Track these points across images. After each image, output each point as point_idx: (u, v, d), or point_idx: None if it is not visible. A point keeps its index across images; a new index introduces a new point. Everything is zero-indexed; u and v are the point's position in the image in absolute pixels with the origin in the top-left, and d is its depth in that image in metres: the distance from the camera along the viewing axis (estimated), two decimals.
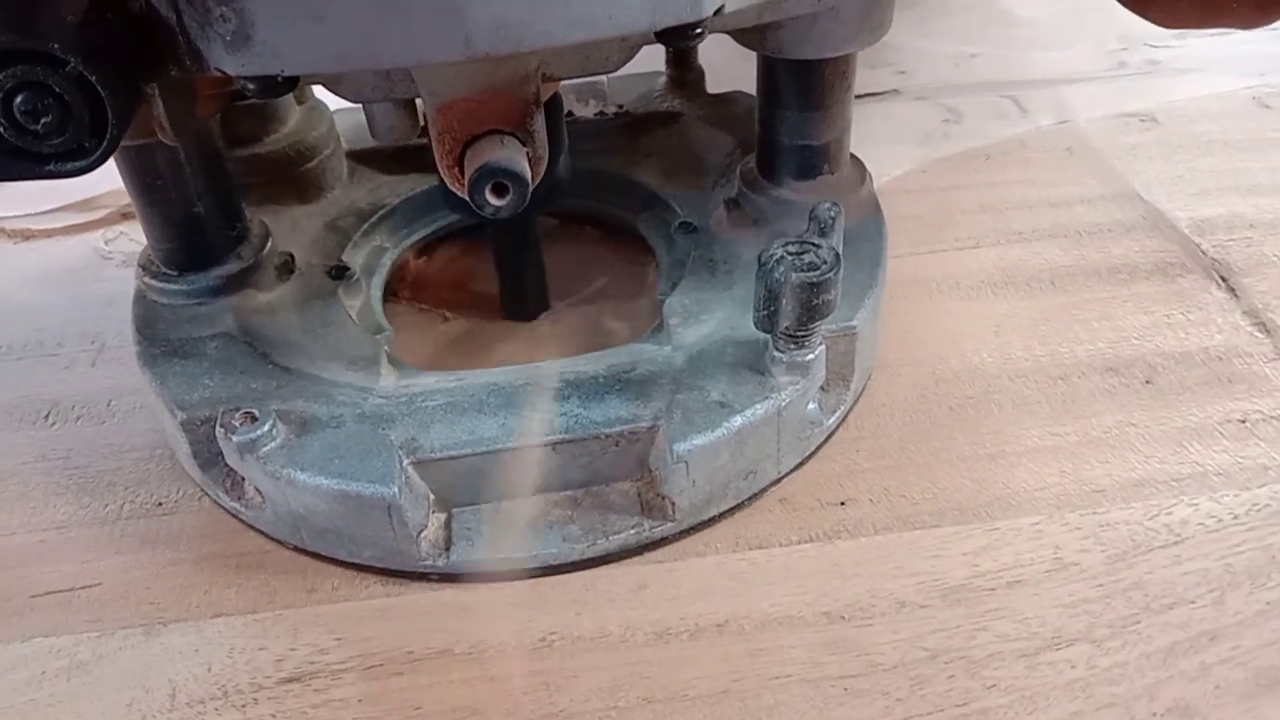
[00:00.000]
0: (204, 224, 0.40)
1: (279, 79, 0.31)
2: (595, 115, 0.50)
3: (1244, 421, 0.40)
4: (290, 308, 0.41)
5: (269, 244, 0.42)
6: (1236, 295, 0.46)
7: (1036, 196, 0.53)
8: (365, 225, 0.46)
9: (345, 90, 0.36)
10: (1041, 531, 0.36)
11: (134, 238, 0.55)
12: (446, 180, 0.34)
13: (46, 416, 0.44)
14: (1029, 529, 0.36)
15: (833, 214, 0.34)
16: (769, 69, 0.41)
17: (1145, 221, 0.51)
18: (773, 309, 0.33)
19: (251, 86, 0.31)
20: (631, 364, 0.37)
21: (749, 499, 0.38)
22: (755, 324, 0.34)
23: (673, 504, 0.35)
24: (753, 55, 0.40)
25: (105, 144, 0.31)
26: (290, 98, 0.47)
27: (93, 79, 0.29)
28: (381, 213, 0.46)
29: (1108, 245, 0.49)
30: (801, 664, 0.33)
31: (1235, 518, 0.36)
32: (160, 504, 0.40)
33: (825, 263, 0.33)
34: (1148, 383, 0.42)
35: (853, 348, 0.38)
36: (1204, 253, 0.49)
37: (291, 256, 0.43)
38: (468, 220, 0.48)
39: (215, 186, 0.40)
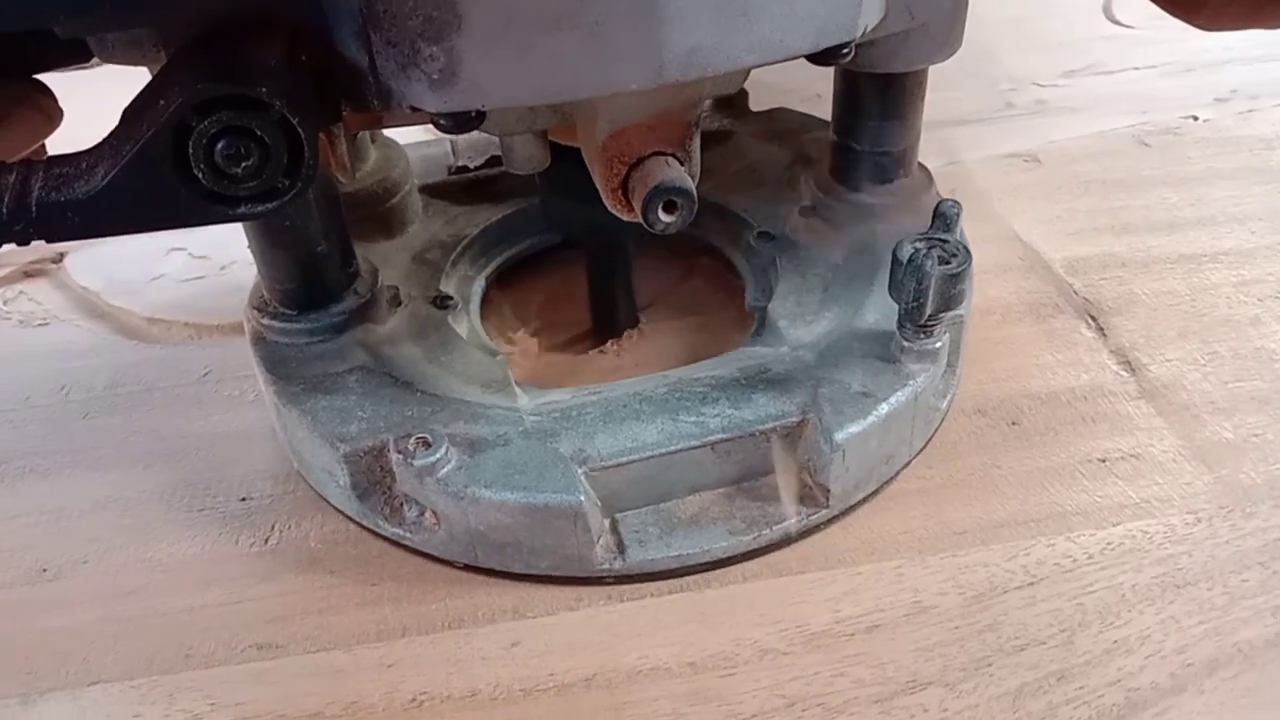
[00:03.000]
0: (325, 263, 0.41)
1: (473, 115, 0.32)
2: None
3: (1104, 461, 0.41)
4: (408, 338, 0.42)
5: (379, 279, 0.43)
6: (1105, 334, 0.47)
7: None
8: (452, 256, 0.47)
9: (491, 124, 0.37)
10: (903, 575, 0.37)
11: (33, 297, 0.55)
12: (609, 202, 0.36)
13: None
14: (891, 573, 0.37)
15: (956, 210, 0.38)
16: (850, 82, 0.44)
17: (1022, 263, 0.52)
18: (922, 300, 0.36)
19: (445, 122, 0.33)
20: (763, 365, 0.40)
21: (885, 482, 0.40)
22: (902, 316, 0.37)
23: (827, 491, 0.38)
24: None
25: (301, 184, 0.32)
26: (366, 135, 0.48)
27: (295, 121, 0.30)
28: (464, 243, 0.48)
29: (984, 287, 0.49)
30: (665, 716, 0.33)
31: (1089, 557, 0.37)
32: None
33: (957, 255, 0.36)
34: (1014, 424, 0.43)
35: (960, 335, 0.41)
36: (1076, 293, 0.49)
37: (397, 289, 0.44)
38: (542, 244, 0.50)
39: (336, 226, 0.41)
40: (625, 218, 0.36)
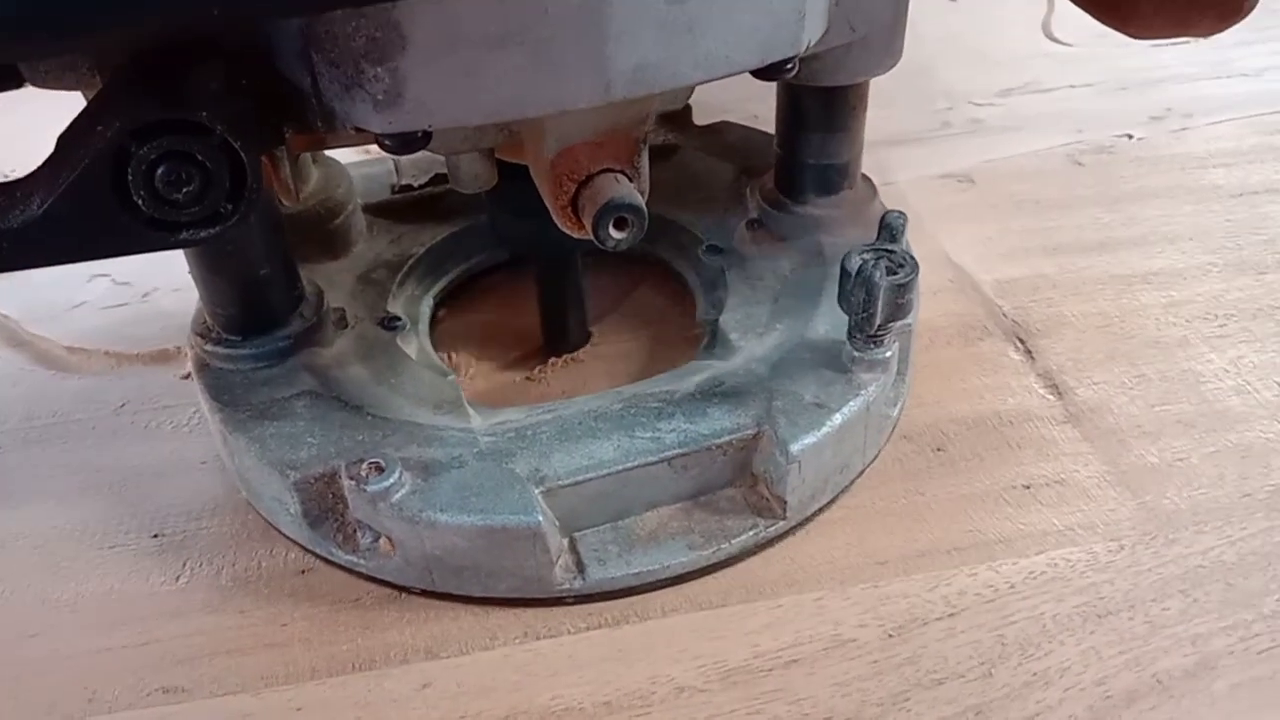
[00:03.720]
0: (269, 287, 0.41)
1: (419, 134, 0.32)
2: None
3: (1028, 487, 0.40)
4: (356, 361, 0.42)
5: (325, 301, 0.42)
6: (1033, 357, 0.47)
7: None
8: (399, 276, 0.47)
9: (436, 144, 0.37)
10: (824, 607, 0.36)
11: None
12: (559, 219, 0.36)
13: None
14: (811, 604, 0.36)
15: (901, 221, 0.38)
16: (793, 96, 0.44)
17: (952, 285, 0.51)
18: (871, 310, 0.36)
19: (389, 143, 0.32)
20: (716, 378, 0.40)
21: (841, 492, 0.40)
22: (852, 327, 0.38)
23: (784, 503, 0.38)
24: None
25: (244, 208, 0.31)
26: (308, 156, 0.47)
27: (237, 145, 0.30)
28: (410, 263, 0.47)
29: None
30: None
31: (1011, 586, 0.37)
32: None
33: (904, 265, 0.37)
34: (939, 450, 0.42)
35: (909, 344, 0.42)
36: (1005, 315, 0.49)
37: (344, 311, 0.43)
38: (489, 261, 0.50)
39: (279, 249, 0.40)
40: (576, 235, 0.36)
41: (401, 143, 0.32)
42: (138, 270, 0.55)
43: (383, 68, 0.30)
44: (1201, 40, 0.72)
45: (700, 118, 0.55)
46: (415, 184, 0.51)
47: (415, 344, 0.44)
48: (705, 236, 0.48)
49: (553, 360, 0.47)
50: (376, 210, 0.50)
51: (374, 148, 0.35)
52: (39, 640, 0.37)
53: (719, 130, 0.55)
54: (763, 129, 0.53)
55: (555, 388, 0.46)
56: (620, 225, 0.34)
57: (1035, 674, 0.34)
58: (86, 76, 0.34)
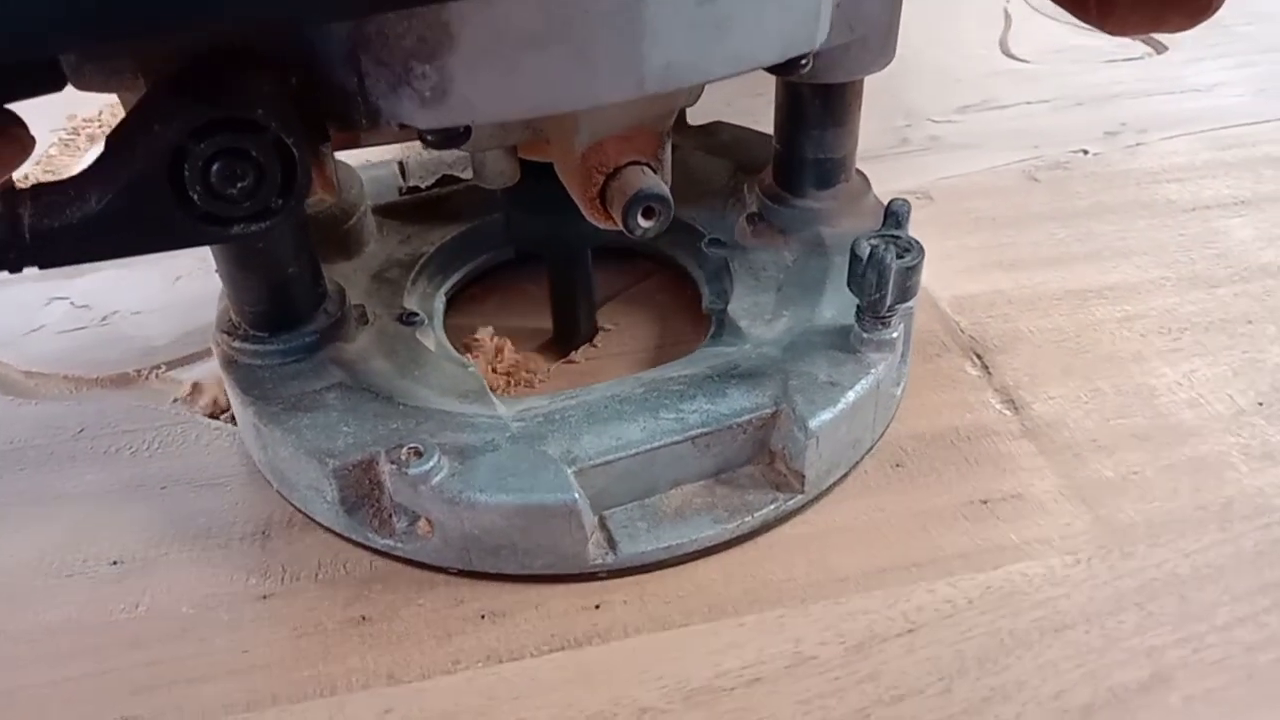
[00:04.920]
0: (296, 284, 0.42)
1: (460, 130, 0.34)
2: None
3: (985, 502, 0.41)
4: (378, 355, 0.43)
5: (347, 298, 0.44)
6: (990, 373, 0.47)
7: None
8: (412, 274, 0.48)
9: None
10: (785, 624, 0.37)
11: None
12: (587, 211, 0.38)
13: None
14: (773, 622, 0.37)
15: (906, 208, 0.41)
16: (793, 93, 0.47)
17: None
18: (883, 292, 0.39)
19: (432, 138, 0.34)
20: (731, 362, 0.42)
21: (853, 466, 0.43)
22: (862, 309, 0.40)
23: (802, 477, 0.40)
24: None
25: (293, 203, 0.33)
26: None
27: (289, 142, 0.31)
28: (422, 261, 0.49)
29: None
30: None
31: (970, 602, 0.37)
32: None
33: (911, 249, 0.39)
34: (898, 466, 0.43)
35: (910, 326, 0.44)
36: (962, 330, 0.50)
37: (364, 308, 0.45)
38: (496, 259, 0.52)
39: (305, 247, 0.42)
40: (602, 226, 0.38)
41: (444, 138, 0.34)
42: (97, 293, 0.56)
43: (430, 66, 0.31)
44: (1154, 56, 0.76)
45: (693, 118, 0.58)
46: (422, 185, 0.53)
47: (432, 338, 0.45)
48: (706, 231, 0.50)
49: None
50: (385, 211, 0.52)
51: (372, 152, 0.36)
52: None
53: (713, 130, 0.57)
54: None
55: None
56: (648, 214, 0.36)
57: (993, 689, 0.34)
58: (129, 80, 0.35)
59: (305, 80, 0.33)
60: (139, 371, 0.50)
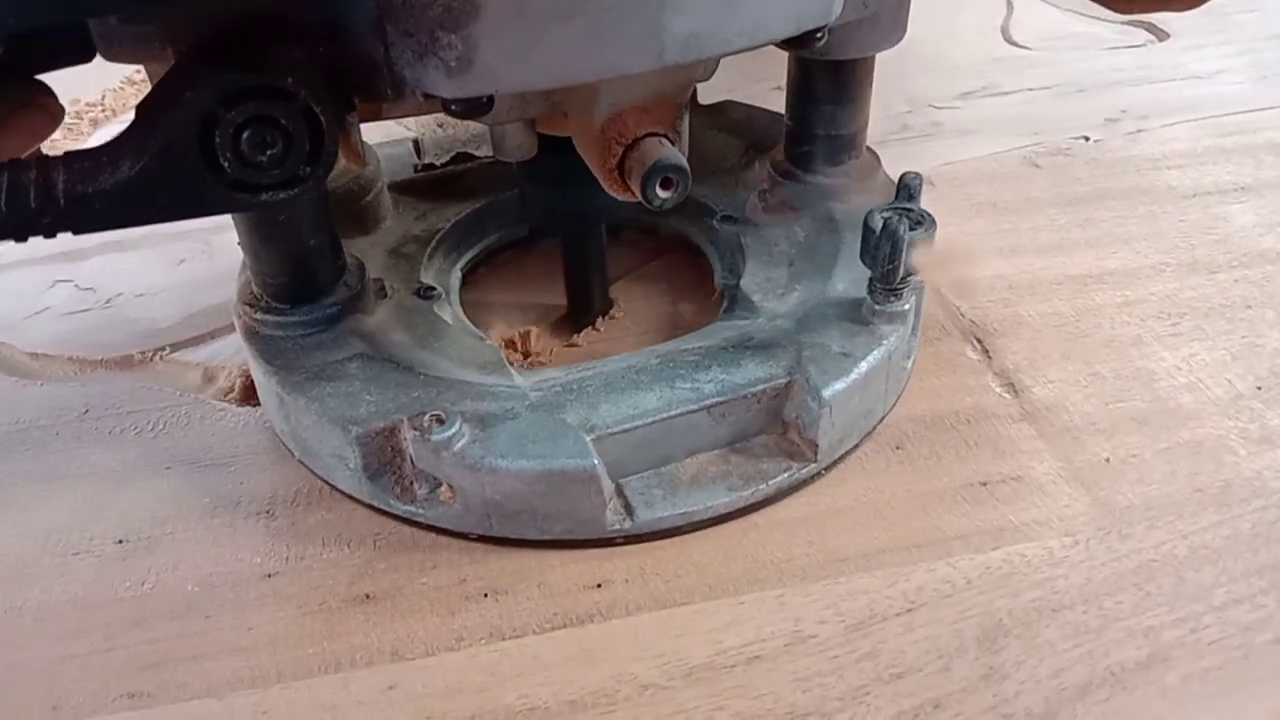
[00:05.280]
0: (317, 257, 0.42)
1: (484, 100, 0.34)
2: None
3: (985, 484, 0.41)
4: (397, 327, 0.44)
5: (366, 272, 0.44)
6: (990, 356, 0.47)
7: None
8: (428, 249, 0.49)
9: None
10: (784, 603, 0.37)
11: None
12: (605, 182, 0.38)
13: None
14: (773, 601, 0.37)
15: (918, 182, 0.41)
16: (805, 70, 0.48)
17: None
18: (897, 262, 0.39)
19: (456, 108, 0.34)
20: (746, 334, 0.43)
21: (865, 437, 0.43)
22: (874, 280, 0.41)
23: (815, 446, 0.40)
24: None
25: (321, 171, 0.33)
26: None
27: (318, 110, 0.32)
28: (438, 237, 0.50)
29: None
30: None
31: (968, 582, 0.37)
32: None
33: (923, 222, 0.40)
34: (898, 448, 0.43)
35: (921, 300, 0.45)
36: (963, 315, 0.50)
37: (382, 281, 0.45)
38: (510, 236, 0.53)
39: (325, 220, 0.42)
40: (621, 197, 0.39)
41: (468, 108, 0.34)
42: (101, 276, 0.56)
43: (456, 35, 0.32)
44: (1156, 43, 0.76)
45: (703, 99, 0.58)
46: (437, 163, 0.54)
47: (449, 312, 0.46)
48: (718, 208, 0.50)
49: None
50: (401, 188, 0.52)
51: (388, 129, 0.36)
52: (2, 650, 0.37)
53: (723, 109, 0.58)
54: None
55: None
56: (666, 185, 0.37)
57: (992, 668, 0.35)
58: (157, 50, 0.36)
59: (331, 50, 0.34)
60: (143, 353, 0.50)
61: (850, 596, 0.37)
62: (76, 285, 0.56)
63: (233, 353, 0.50)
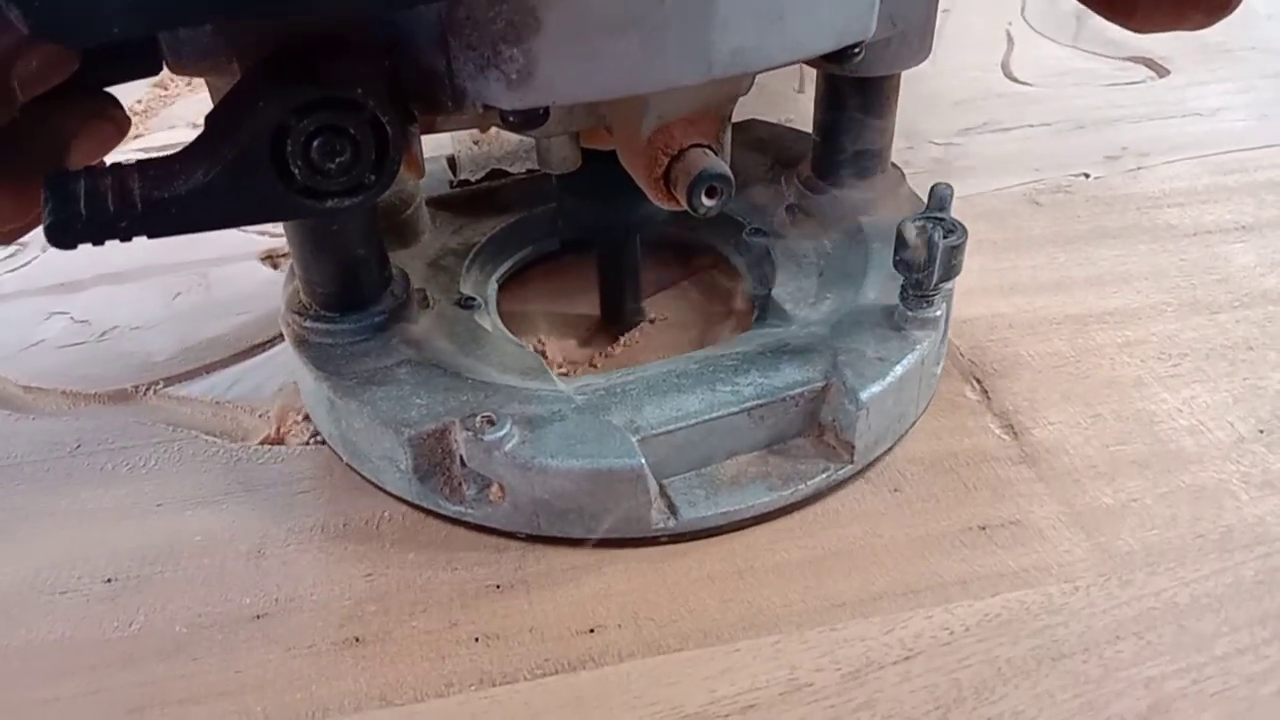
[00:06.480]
0: (364, 267, 0.44)
1: (541, 112, 0.36)
2: None
3: (984, 528, 0.41)
4: (440, 336, 0.45)
5: (410, 282, 0.46)
6: (989, 397, 0.47)
7: None
8: (466, 261, 0.50)
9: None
10: (780, 651, 0.36)
11: None
12: (651, 192, 0.40)
13: None
14: (769, 648, 0.36)
15: (949, 192, 0.43)
16: (833, 86, 0.49)
17: None
18: (931, 270, 0.41)
19: (514, 119, 0.36)
20: (781, 340, 0.44)
21: (897, 441, 0.45)
22: (909, 287, 0.42)
23: (852, 448, 0.42)
24: None
25: (385, 179, 0.35)
26: None
27: (385, 121, 0.33)
28: (475, 250, 0.51)
29: None
30: None
31: (967, 629, 0.37)
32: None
33: (955, 230, 0.41)
34: (896, 490, 0.42)
35: (950, 308, 0.46)
36: (962, 354, 0.49)
37: (425, 291, 0.47)
38: (543, 249, 0.55)
39: (374, 231, 0.44)
40: (665, 206, 0.40)
41: (525, 119, 0.35)
42: (96, 308, 0.56)
43: (518, 48, 0.33)
44: (1156, 80, 0.77)
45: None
46: (472, 179, 0.55)
47: (489, 321, 0.48)
48: (747, 221, 0.52)
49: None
50: (438, 203, 0.54)
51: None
52: None
53: (749, 127, 0.59)
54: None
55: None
56: (711, 193, 0.38)
57: (990, 718, 0.34)
58: (223, 64, 0.37)
59: (395, 63, 0.35)
60: (136, 387, 0.50)
61: (847, 643, 0.37)
62: (72, 317, 0.55)
63: (227, 387, 0.50)
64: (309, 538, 0.42)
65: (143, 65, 0.38)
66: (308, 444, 0.46)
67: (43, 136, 0.36)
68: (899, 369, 0.42)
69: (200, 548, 0.41)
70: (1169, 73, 0.78)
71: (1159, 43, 0.75)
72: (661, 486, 0.41)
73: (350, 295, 0.44)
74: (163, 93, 0.77)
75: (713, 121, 0.40)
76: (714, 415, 0.41)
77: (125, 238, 0.33)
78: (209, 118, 0.35)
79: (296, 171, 0.33)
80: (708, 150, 0.39)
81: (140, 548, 0.41)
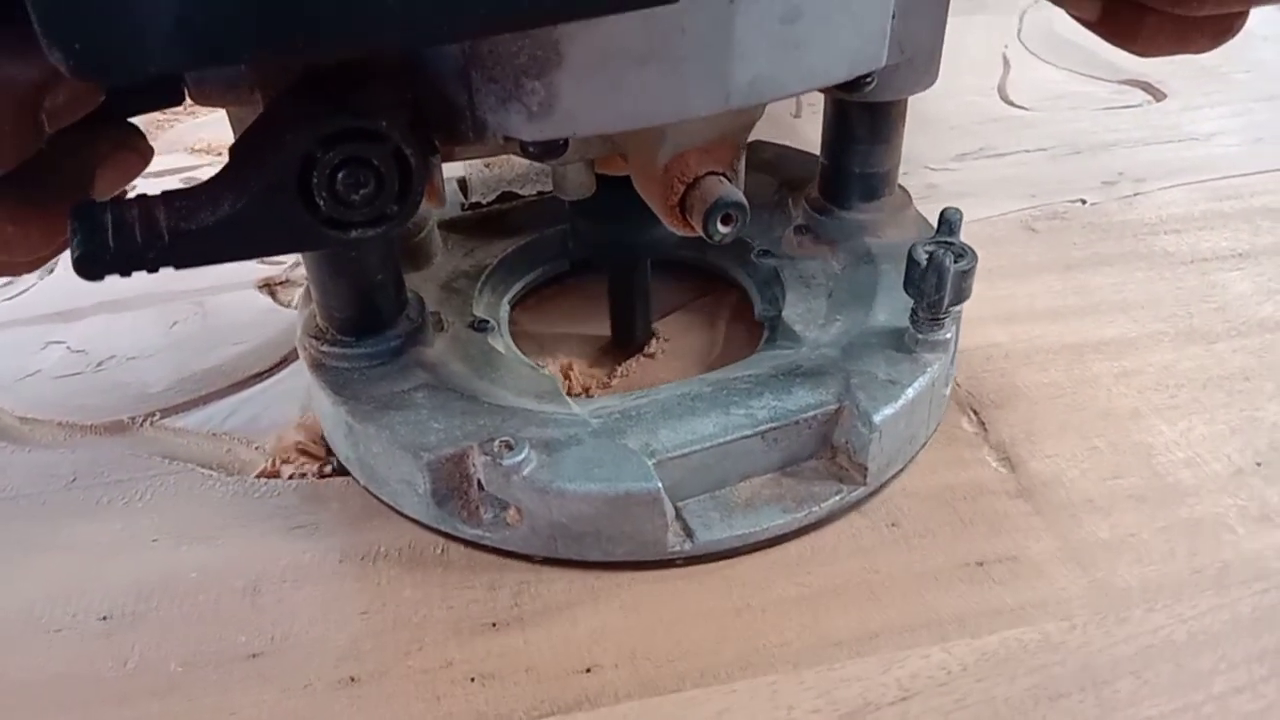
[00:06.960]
0: (381, 292, 0.44)
1: (560, 143, 0.36)
2: None
3: (981, 564, 0.40)
4: (456, 359, 0.46)
5: (425, 306, 0.46)
6: (986, 429, 0.47)
7: None
8: (478, 284, 0.51)
9: None
10: (777, 692, 0.36)
11: None
12: (667, 219, 0.40)
13: None
14: (766, 689, 0.36)
15: (958, 216, 0.44)
16: (841, 111, 0.50)
17: None
18: (942, 293, 0.42)
19: (534, 150, 0.36)
20: (793, 363, 0.44)
21: (909, 461, 0.45)
22: (921, 309, 0.43)
23: (864, 470, 0.42)
24: None
25: (407, 210, 0.35)
26: None
27: (408, 153, 0.34)
28: (487, 272, 0.52)
29: None
30: None
31: (964, 668, 0.36)
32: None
33: (965, 254, 0.42)
34: (893, 525, 0.42)
35: (959, 327, 0.47)
36: (959, 385, 0.49)
37: (439, 314, 0.48)
38: (554, 271, 0.56)
39: (390, 257, 0.44)
40: (681, 232, 0.41)
41: (545, 150, 0.36)
42: (93, 338, 0.55)
43: (540, 81, 0.34)
44: (1152, 104, 0.78)
45: None
46: (484, 201, 0.56)
47: (502, 343, 0.48)
48: (755, 243, 0.53)
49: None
50: (449, 226, 0.55)
51: None
52: None
53: (756, 148, 0.60)
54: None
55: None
56: (727, 220, 0.39)
57: None
58: (246, 95, 0.38)
59: (417, 95, 0.36)
60: (133, 419, 0.49)
61: (844, 684, 0.36)
62: (69, 347, 0.55)
63: (224, 417, 0.49)
64: (305, 574, 0.41)
65: (166, 96, 0.39)
66: (304, 477, 0.46)
67: (68, 168, 0.36)
68: (910, 391, 0.42)
69: (195, 584, 0.41)
70: (1165, 96, 0.79)
71: (1155, 65, 0.76)
72: (677, 509, 0.41)
73: (367, 320, 0.44)
74: (160, 117, 0.78)
75: (728, 149, 0.40)
76: (728, 438, 0.41)
77: (153, 269, 0.33)
78: (233, 149, 0.35)
79: (321, 203, 0.33)
80: (723, 178, 0.40)
81: (136, 583, 0.41)
